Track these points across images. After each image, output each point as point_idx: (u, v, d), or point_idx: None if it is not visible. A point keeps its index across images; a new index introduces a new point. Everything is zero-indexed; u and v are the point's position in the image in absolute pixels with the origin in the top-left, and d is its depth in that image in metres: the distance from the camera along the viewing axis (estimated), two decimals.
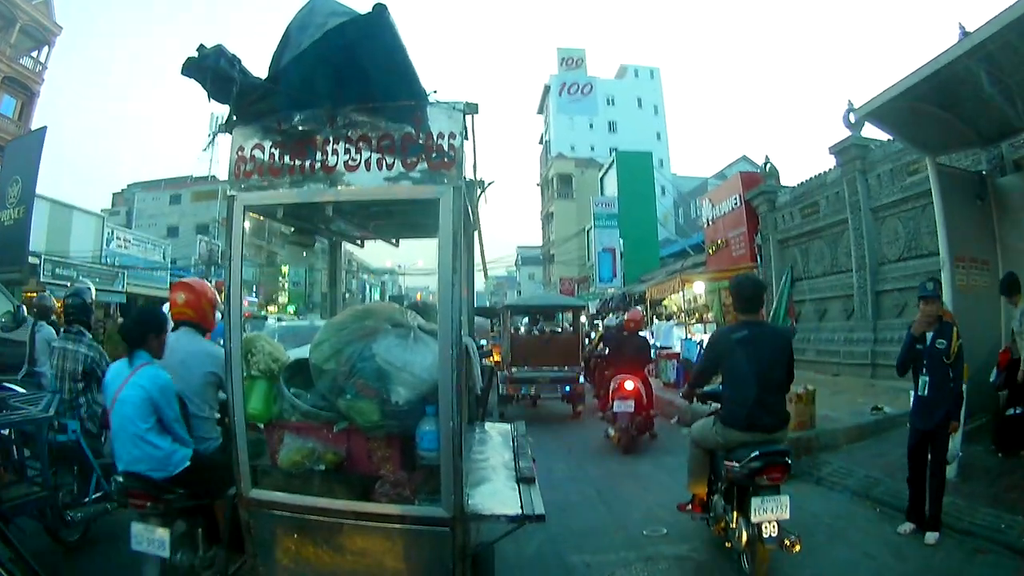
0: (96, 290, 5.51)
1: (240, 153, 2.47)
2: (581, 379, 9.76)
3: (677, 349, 12.16)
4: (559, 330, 11.71)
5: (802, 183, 12.57)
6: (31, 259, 17.37)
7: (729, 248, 15.60)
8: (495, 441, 3.65)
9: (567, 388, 9.59)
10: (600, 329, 14.95)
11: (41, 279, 17.27)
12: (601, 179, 34.10)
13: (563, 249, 36.86)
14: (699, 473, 3.94)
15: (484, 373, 5.46)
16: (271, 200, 2.53)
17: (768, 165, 14.40)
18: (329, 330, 2.60)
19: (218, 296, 3.36)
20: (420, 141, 2.29)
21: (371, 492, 2.43)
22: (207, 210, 37.59)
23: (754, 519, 3.20)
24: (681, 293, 14.61)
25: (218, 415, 3.24)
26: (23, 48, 23.12)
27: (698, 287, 14.61)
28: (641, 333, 8.63)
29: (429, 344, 2.47)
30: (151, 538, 2.73)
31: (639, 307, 15.42)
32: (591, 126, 50.22)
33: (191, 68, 2.17)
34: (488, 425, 4.22)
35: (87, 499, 3.88)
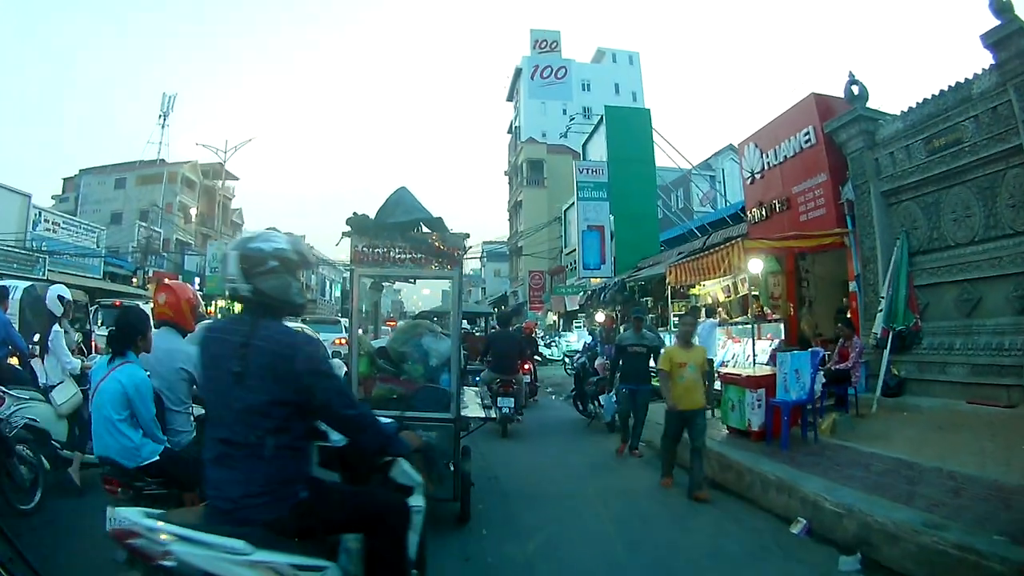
0: (9, 276, 5.46)
1: (356, 248, 5.16)
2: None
3: (723, 362, 10.03)
4: (475, 332, 16.74)
5: (926, 100, 8.33)
6: None
7: (793, 209, 10.87)
8: (472, 393, 6.47)
9: (476, 379, 12.71)
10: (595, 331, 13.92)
11: None
12: (584, 146, 28.86)
13: (532, 240, 34.02)
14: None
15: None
16: (374, 273, 5.36)
17: (855, 85, 9.54)
18: (400, 332, 5.52)
19: (199, 298, 3.92)
20: (444, 250, 5.08)
21: (418, 407, 5.24)
22: (151, 195, 35.48)
23: (499, 405, 8.52)
24: (734, 275, 10.59)
25: (192, 410, 3.52)
26: None
27: (755, 265, 9.57)
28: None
29: (445, 340, 5.34)
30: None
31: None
32: (564, 112, 47.02)
33: (351, 223, 4.92)
34: (466, 388, 6.83)
35: None
